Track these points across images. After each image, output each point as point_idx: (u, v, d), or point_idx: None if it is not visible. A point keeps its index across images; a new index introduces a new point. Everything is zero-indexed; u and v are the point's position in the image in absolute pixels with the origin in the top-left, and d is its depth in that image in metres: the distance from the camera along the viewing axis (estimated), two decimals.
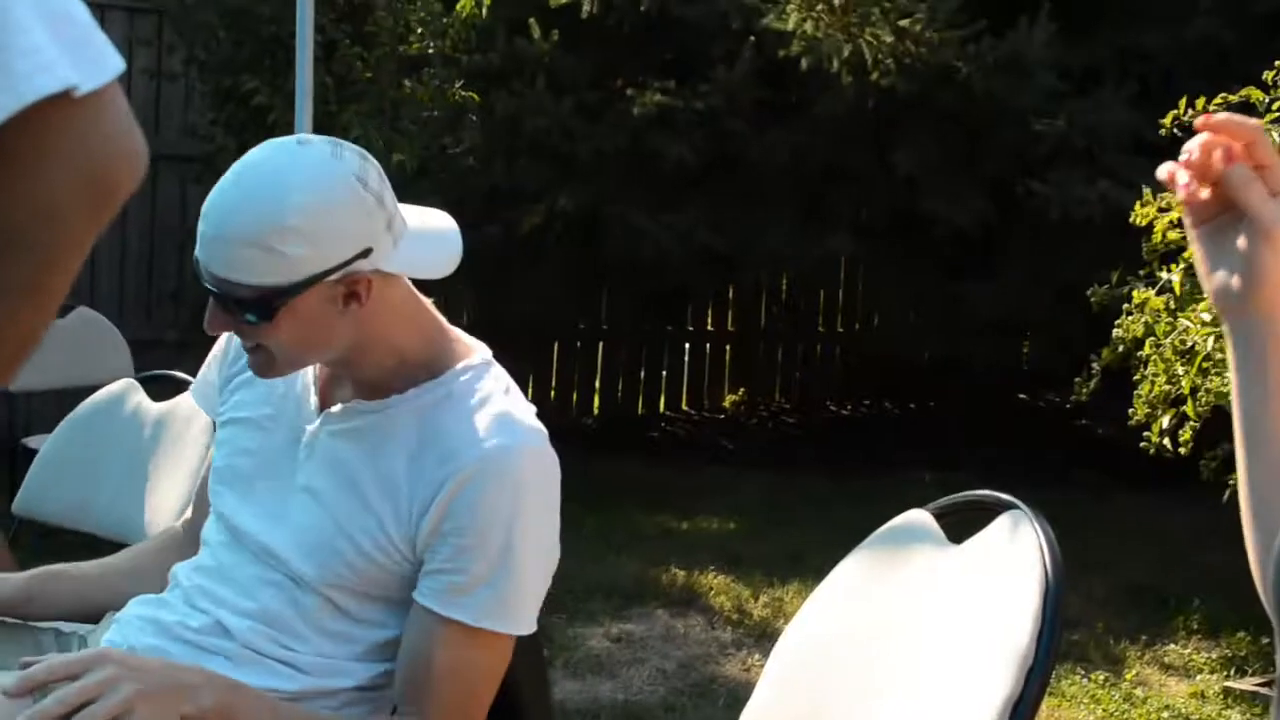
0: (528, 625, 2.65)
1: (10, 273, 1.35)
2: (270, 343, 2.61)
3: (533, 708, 2.99)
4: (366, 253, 2.57)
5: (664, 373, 12.14)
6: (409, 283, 2.72)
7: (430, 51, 8.79)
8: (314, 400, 2.79)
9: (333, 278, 2.55)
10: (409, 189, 8.57)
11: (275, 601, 2.71)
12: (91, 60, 1.33)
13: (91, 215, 1.37)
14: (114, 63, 1.35)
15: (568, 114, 9.28)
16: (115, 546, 3.19)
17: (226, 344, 2.99)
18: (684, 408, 12.20)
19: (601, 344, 11.89)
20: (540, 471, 2.65)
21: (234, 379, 2.94)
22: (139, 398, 4.13)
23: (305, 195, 2.52)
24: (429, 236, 2.74)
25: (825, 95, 9.02)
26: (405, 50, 8.73)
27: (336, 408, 2.74)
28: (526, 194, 9.49)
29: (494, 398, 2.70)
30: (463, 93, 8.89)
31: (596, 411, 11.77)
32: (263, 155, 2.58)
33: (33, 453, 6.19)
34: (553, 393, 11.57)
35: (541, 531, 2.65)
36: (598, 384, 11.88)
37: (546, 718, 3.09)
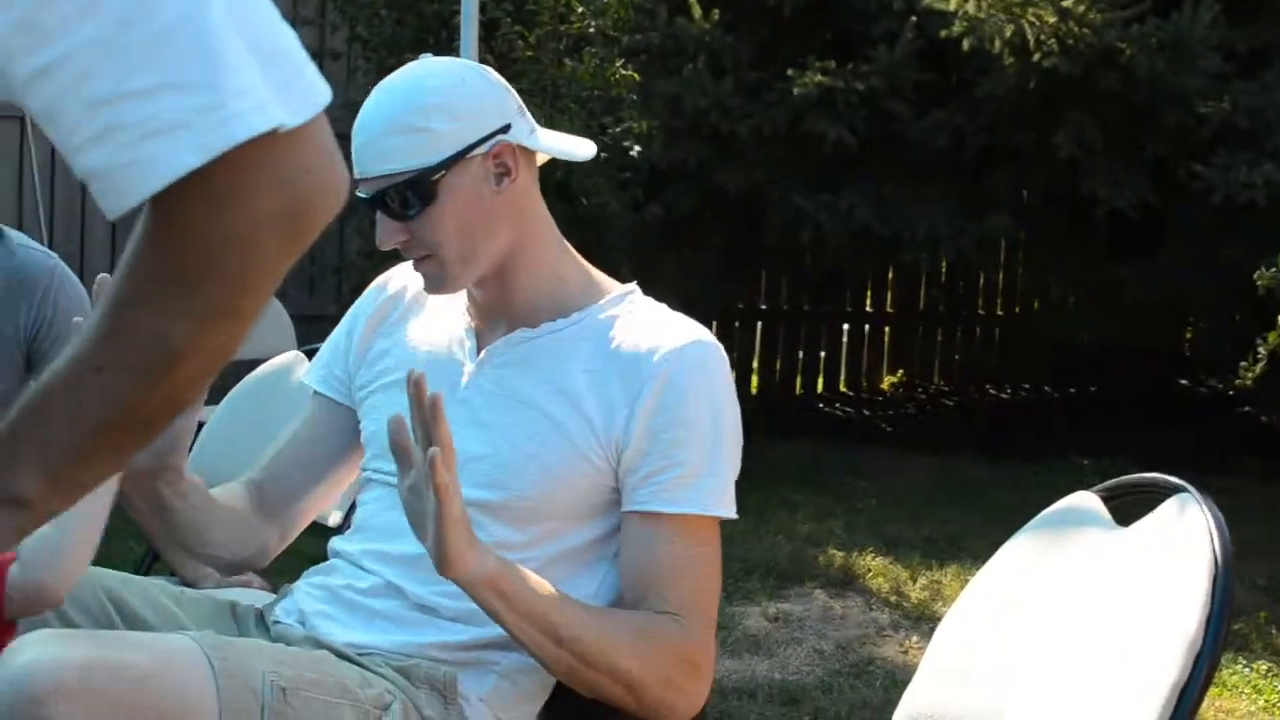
0: (729, 507, 2.74)
1: (201, 299, 1.39)
2: (439, 235, 2.72)
3: None
4: (507, 128, 2.74)
5: (822, 354, 12.11)
6: (541, 197, 2.84)
7: (591, 30, 8.80)
8: (471, 343, 2.85)
9: (480, 150, 2.71)
10: (568, 167, 8.61)
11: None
12: (299, 96, 1.38)
13: (286, 246, 1.41)
14: (320, 97, 1.40)
15: (728, 94, 9.27)
16: None
17: (350, 326, 3.05)
18: (842, 389, 12.16)
19: (760, 325, 11.87)
20: (723, 361, 2.77)
21: (372, 350, 3.00)
22: (303, 370, 4.18)
23: (438, 79, 2.75)
24: (561, 135, 2.90)
25: (987, 76, 8.96)
26: (566, 29, 8.75)
27: (498, 342, 2.81)
28: (686, 174, 9.49)
29: (661, 311, 2.82)
30: (623, 72, 8.90)
31: (755, 391, 11.76)
32: (401, 69, 2.82)
33: (199, 425, 6.29)
34: None
35: (736, 417, 2.76)
36: (755, 364, 11.87)
37: None
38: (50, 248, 4.25)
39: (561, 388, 2.74)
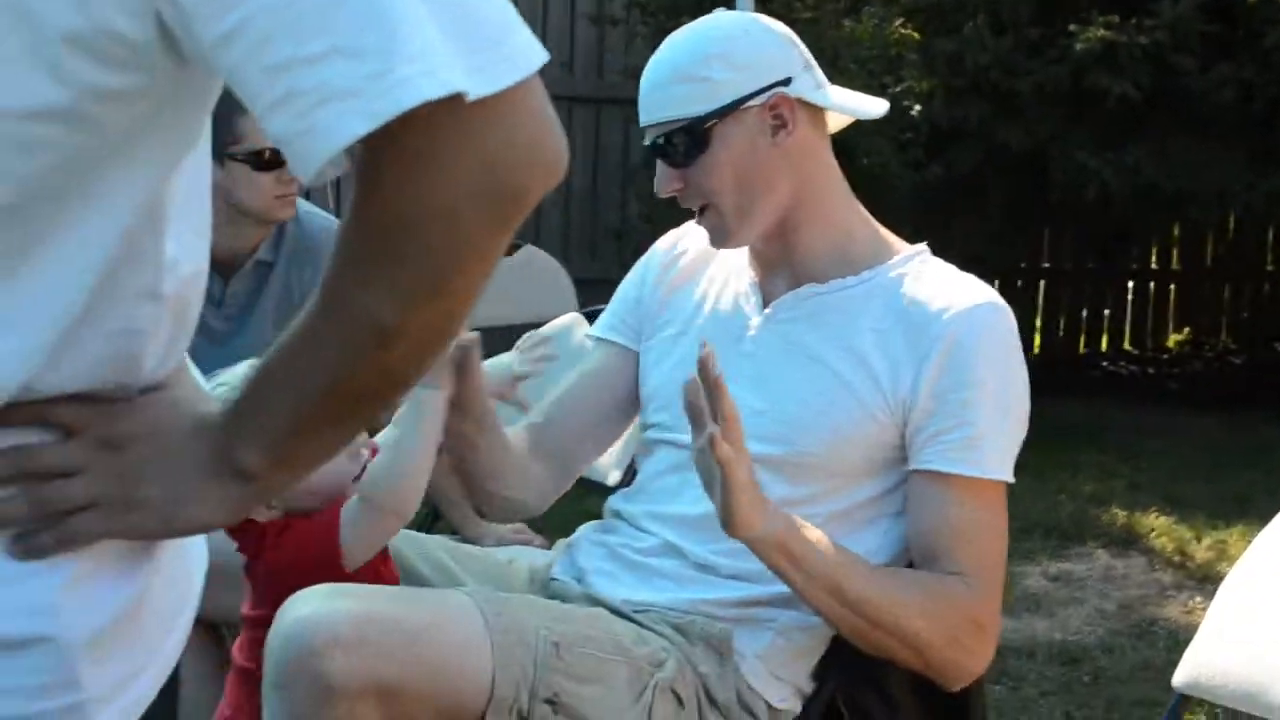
0: (1012, 472, 2.75)
1: (410, 274, 1.37)
2: (713, 184, 2.77)
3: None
4: (787, 81, 2.77)
5: (1106, 311, 11.94)
6: (841, 176, 2.87)
7: None
8: (756, 298, 2.87)
9: (757, 101, 2.75)
10: (851, 129, 8.58)
11: None
12: (499, 62, 1.32)
13: (492, 222, 1.37)
14: (528, 62, 1.34)
15: (1009, 50, 9.17)
16: None
17: (640, 277, 3.08)
18: (1126, 347, 11.99)
19: (1043, 282, 11.75)
20: (1011, 325, 2.76)
21: (658, 303, 3.03)
22: (584, 331, 4.23)
23: (722, 29, 2.80)
24: (854, 94, 2.91)
25: (1275, 27, 8.75)
26: None
27: (786, 296, 2.83)
28: (968, 132, 9.42)
29: (951, 272, 2.82)
30: (902, 30, 8.86)
31: (1038, 350, 11.63)
32: (690, 23, 2.87)
33: None
34: None
35: (1023, 382, 2.75)
36: (1038, 323, 11.74)
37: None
38: (336, 215, 4.36)
39: (850, 345, 2.76)
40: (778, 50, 2.80)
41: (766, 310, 2.87)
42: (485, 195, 1.35)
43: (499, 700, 2.51)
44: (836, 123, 2.93)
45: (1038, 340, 11.71)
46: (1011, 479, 2.73)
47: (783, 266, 2.87)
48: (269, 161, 3.92)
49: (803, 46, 2.84)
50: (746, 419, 2.61)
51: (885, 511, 2.79)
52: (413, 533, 3.10)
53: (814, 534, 2.65)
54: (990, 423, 2.70)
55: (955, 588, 2.69)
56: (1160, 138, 9.21)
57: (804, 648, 2.79)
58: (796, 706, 2.80)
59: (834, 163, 2.87)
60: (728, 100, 2.75)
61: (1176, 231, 11.93)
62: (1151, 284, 12.03)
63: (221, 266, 4.09)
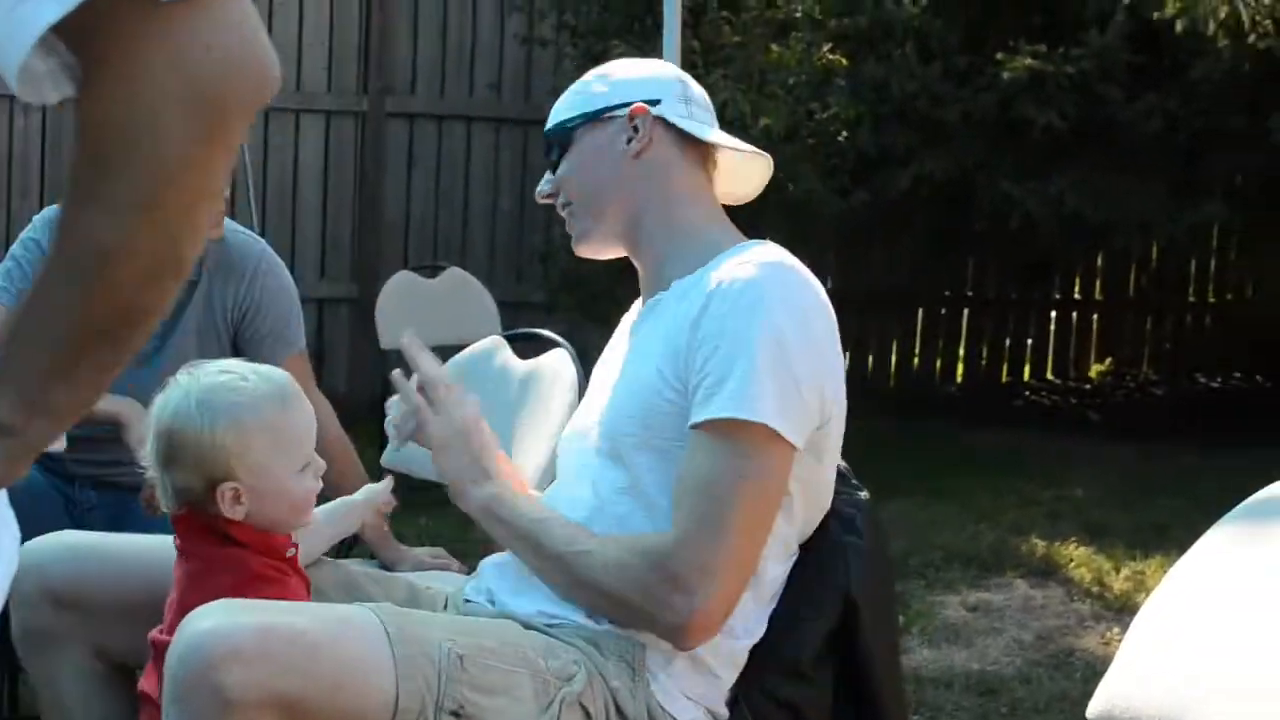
0: (773, 418, 2.65)
1: (121, 187, 1.36)
2: (569, 184, 2.98)
3: (884, 674, 2.99)
4: (655, 102, 2.95)
5: (1029, 341, 12.00)
6: (715, 198, 3.00)
7: (798, 15, 8.79)
8: (635, 317, 3.04)
9: (621, 112, 2.94)
10: (776, 153, 8.59)
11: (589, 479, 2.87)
12: None
13: (195, 131, 1.36)
14: None
15: (936, 78, 9.20)
16: None
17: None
18: (1049, 376, 12.04)
19: (966, 311, 11.79)
20: (781, 282, 2.73)
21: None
22: (506, 355, 4.21)
23: (622, 58, 3.11)
24: (728, 138, 3.03)
25: (1201, 59, 8.81)
26: (772, 14, 8.74)
27: (641, 313, 3.00)
28: (894, 159, 9.44)
29: (758, 247, 2.84)
30: (830, 56, 8.88)
31: (960, 379, 11.67)
32: None
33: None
34: (916, 360, 11.52)
35: (788, 338, 2.68)
36: (962, 351, 11.79)
37: (897, 684, 3.09)
38: (262, 234, 4.35)
39: (667, 334, 2.79)
40: (659, 77, 3.03)
41: (632, 332, 3.01)
42: (184, 102, 1.34)
43: (403, 712, 2.50)
44: (733, 167, 3.05)
45: (960, 369, 11.74)
46: (759, 419, 2.65)
47: (649, 280, 2.98)
48: None
49: (695, 91, 3.03)
50: (593, 423, 2.87)
51: None
52: (329, 559, 3.07)
53: (526, 500, 2.86)
54: (732, 367, 2.66)
55: (652, 540, 2.69)
56: (1085, 168, 9.26)
57: (714, 671, 2.77)
58: None
59: (700, 186, 2.98)
60: (596, 108, 2.96)
61: (1100, 261, 12.00)
62: (1074, 314, 12.10)
63: None
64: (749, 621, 2.79)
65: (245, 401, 2.73)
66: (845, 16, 9.22)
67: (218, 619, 2.44)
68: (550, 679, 2.63)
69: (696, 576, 2.64)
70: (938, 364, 11.64)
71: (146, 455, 2.78)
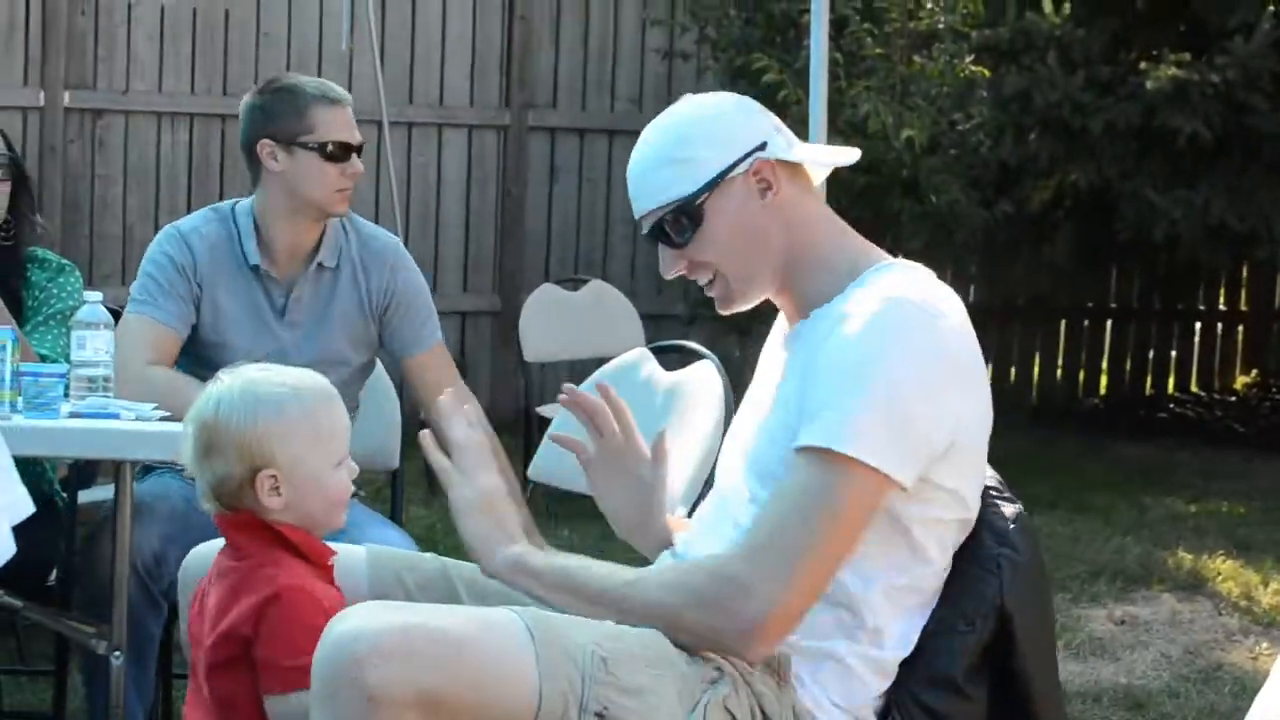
0: (871, 455, 2.64)
1: None
2: (714, 256, 2.88)
3: (1042, 688, 2.96)
4: (763, 146, 2.86)
5: (1173, 353, 11.87)
6: (831, 213, 2.96)
7: (940, 26, 8.76)
8: (784, 352, 2.94)
9: (740, 169, 2.85)
10: (919, 165, 8.58)
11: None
12: None
13: None
14: None
15: (1079, 88, 9.14)
16: None
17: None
18: (1193, 389, 11.91)
19: (1110, 322, 11.68)
20: (901, 318, 2.71)
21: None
22: (652, 367, 4.23)
23: (695, 111, 2.94)
24: (825, 147, 3.13)
25: None
26: (915, 26, 8.72)
27: (790, 337, 2.93)
28: (1037, 170, 9.39)
29: (890, 274, 2.82)
30: (973, 68, 8.85)
31: (1104, 392, 11.58)
32: (665, 111, 2.98)
33: (546, 421, 6.40)
34: (1059, 372, 11.43)
35: (905, 378, 2.68)
36: (1105, 364, 11.68)
37: (1055, 699, 3.06)
38: (406, 248, 4.43)
39: (804, 368, 2.77)
40: (748, 119, 2.92)
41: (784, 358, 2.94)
42: None
43: (547, 713, 2.52)
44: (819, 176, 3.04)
45: (1104, 381, 11.64)
46: (850, 451, 2.63)
47: (793, 313, 2.94)
48: (334, 154, 4.11)
49: (772, 115, 2.95)
50: (739, 464, 2.86)
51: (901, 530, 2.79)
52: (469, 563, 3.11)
53: (555, 554, 2.82)
54: (830, 398, 2.67)
55: (710, 559, 2.71)
56: (1230, 177, 9.17)
57: (864, 680, 2.77)
58: None
59: (822, 207, 2.97)
60: (713, 175, 2.85)
61: (1245, 272, 11.85)
62: (1219, 325, 11.95)
63: (280, 269, 4.20)
64: (900, 631, 2.79)
65: (288, 392, 2.88)
66: (988, 28, 9.19)
67: (362, 619, 2.49)
68: (695, 682, 2.65)
69: (761, 585, 2.64)
70: (1080, 377, 11.54)
71: (184, 453, 2.90)
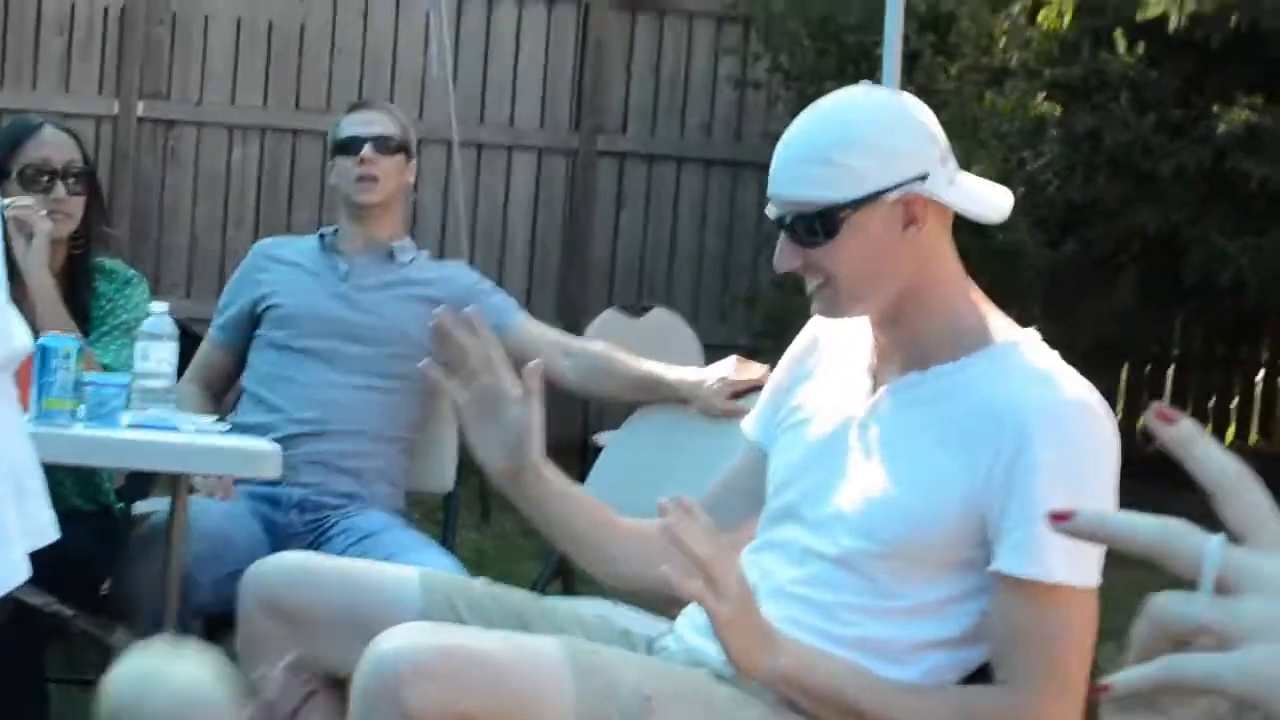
0: (1095, 577, 2.66)
1: None
2: (836, 268, 2.74)
3: None
4: (924, 177, 2.73)
5: (1235, 401, 11.79)
6: (954, 250, 2.84)
7: (1013, 64, 8.74)
8: (866, 385, 2.85)
9: (893, 196, 2.72)
10: None
11: (822, 581, 2.77)
12: None
13: None
14: None
15: (1150, 130, 9.10)
16: None
17: (777, 378, 3.06)
18: (1252, 440, 11.81)
19: (1172, 368, 11.62)
20: (1097, 422, 2.71)
21: (789, 395, 3.01)
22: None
23: (870, 113, 2.78)
24: (982, 186, 2.89)
25: None
26: (988, 62, 8.70)
27: (893, 381, 2.81)
28: (1104, 211, 9.35)
29: (1047, 362, 2.78)
30: (1044, 105, 8.82)
31: None
32: (834, 94, 2.85)
33: (601, 450, 6.40)
34: (1119, 415, 11.36)
35: (1106, 481, 2.68)
36: None
37: None
38: (472, 268, 4.56)
39: (940, 435, 2.72)
40: (920, 143, 2.77)
41: (873, 398, 2.84)
42: None
43: None
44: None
45: None
46: (1081, 582, 2.65)
47: (894, 351, 2.85)
48: (344, 147, 4.47)
49: (942, 136, 2.81)
50: (837, 513, 2.74)
51: (965, 610, 2.75)
52: (536, 597, 3.12)
53: (824, 656, 2.67)
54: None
55: (990, 693, 2.68)
56: None
57: None
58: None
59: (953, 250, 2.85)
60: (865, 192, 2.71)
61: None
62: None
63: (348, 246, 4.55)
64: None
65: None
66: (1060, 66, 9.16)
67: (404, 639, 2.51)
68: None
69: None
70: (1139, 424, 11.46)
71: None
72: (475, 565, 4.84)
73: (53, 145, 4.27)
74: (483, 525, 7.38)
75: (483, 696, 2.47)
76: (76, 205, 4.24)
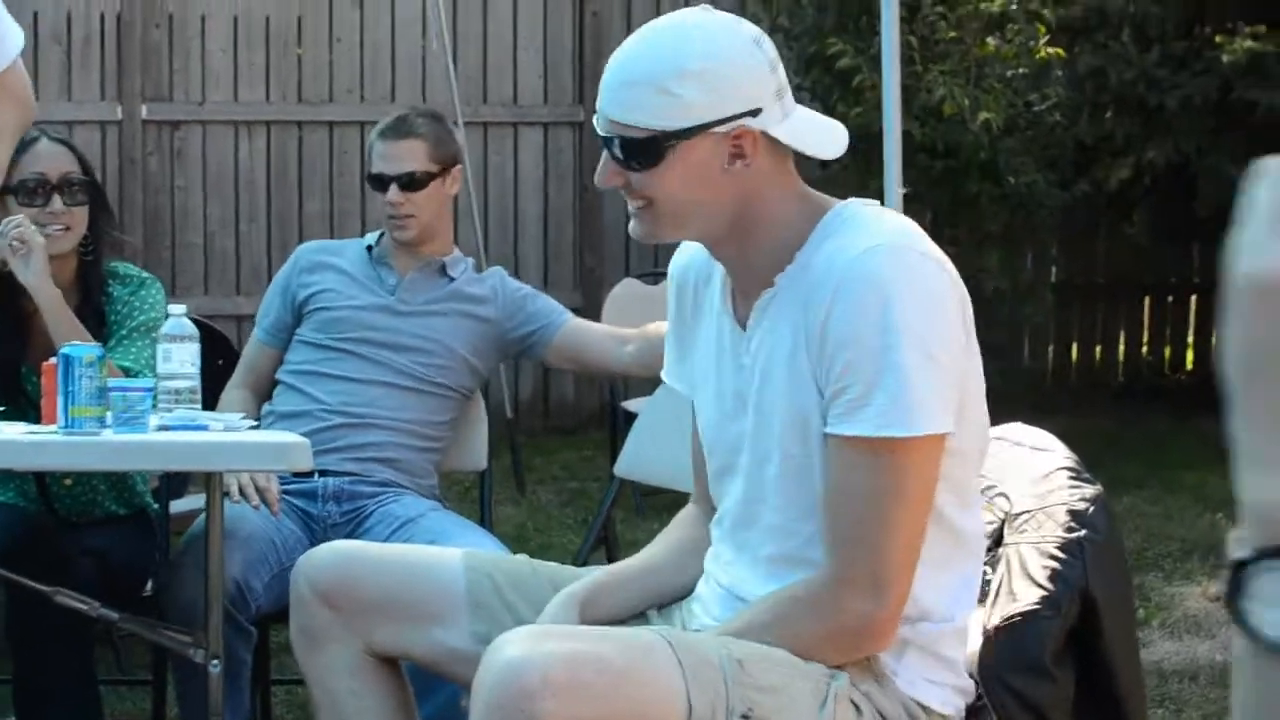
0: (928, 424, 2.61)
1: None
2: (657, 194, 2.71)
3: (1125, 669, 2.97)
4: (755, 112, 2.69)
5: None
6: (796, 176, 2.80)
7: (1013, 8, 8.72)
8: (731, 318, 2.85)
9: (721, 129, 2.68)
10: (996, 147, 8.55)
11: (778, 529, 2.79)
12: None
13: None
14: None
15: (1154, 65, 9.09)
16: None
17: (675, 324, 3.04)
18: None
19: (1194, 298, 11.60)
20: (904, 268, 2.63)
21: (686, 340, 3.00)
22: None
23: (706, 44, 2.69)
24: (819, 122, 2.83)
25: None
26: (988, 8, 8.69)
27: (751, 307, 2.80)
28: (1114, 148, 9.33)
29: (858, 219, 2.72)
30: (1048, 49, 8.80)
31: (1191, 367, 11.50)
32: (669, 15, 2.78)
33: (632, 415, 6.41)
34: (1144, 349, 11.36)
35: (922, 330, 2.61)
36: (1191, 339, 11.60)
37: (1136, 677, 3.07)
38: (485, 248, 4.56)
39: (795, 337, 2.71)
40: (754, 80, 2.72)
41: (744, 335, 2.81)
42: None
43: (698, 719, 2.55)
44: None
45: (1190, 356, 11.56)
46: (906, 432, 2.59)
47: (742, 275, 2.82)
48: (375, 180, 4.44)
49: (781, 75, 2.76)
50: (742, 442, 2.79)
51: None
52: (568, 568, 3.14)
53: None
54: (871, 379, 2.59)
55: (804, 591, 2.69)
56: None
57: (941, 655, 2.77)
58: (960, 704, 2.79)
59: (790, 172, 2.80)
60: (693, 123, 2.68)
61: None
62: None
63: (398, 263, 4.51)
64: (946, 602, 2.77)
65: None
66: (1060, 7, 9.15)
67: (527, 647, 2.52)
68: (819, 677, 2.66)
69: (865, 599, 2.64)
70: (1166, 352, 11.46)
71: None
72: (515, 540, 4.87)
73: (47, 158, 4.26)
74: (519, 499, 7.39)
75: (610, 704, 2.50)
76: (76, 216, 4.23)
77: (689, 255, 2.97)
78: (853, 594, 2.64)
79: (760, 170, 2.73)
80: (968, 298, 2.72)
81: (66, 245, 4.20)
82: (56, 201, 4.20)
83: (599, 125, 2.76)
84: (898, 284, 2.61)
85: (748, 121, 2.69)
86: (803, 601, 2.70)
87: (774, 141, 2.73)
